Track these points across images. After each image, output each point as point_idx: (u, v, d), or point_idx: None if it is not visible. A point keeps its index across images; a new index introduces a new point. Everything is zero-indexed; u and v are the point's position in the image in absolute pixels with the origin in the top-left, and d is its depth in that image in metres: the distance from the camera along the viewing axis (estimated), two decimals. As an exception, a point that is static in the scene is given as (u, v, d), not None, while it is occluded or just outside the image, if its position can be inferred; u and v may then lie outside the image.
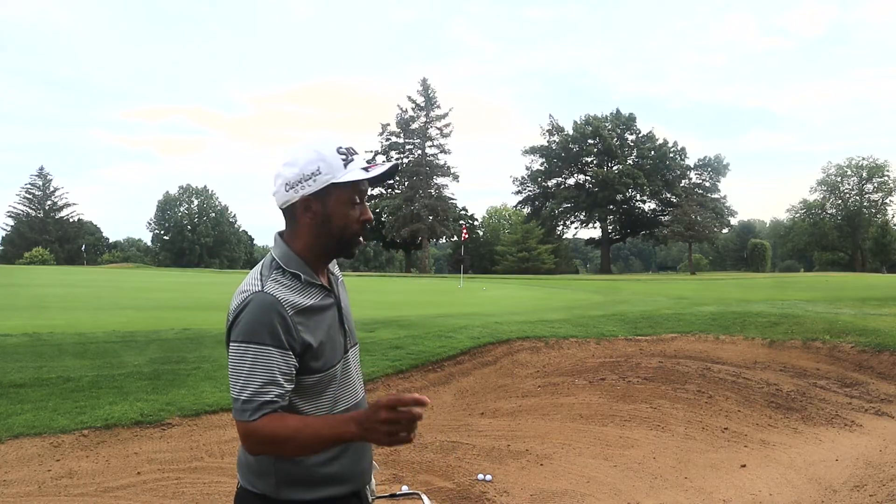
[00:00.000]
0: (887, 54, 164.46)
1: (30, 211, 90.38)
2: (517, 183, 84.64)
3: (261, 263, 1.82)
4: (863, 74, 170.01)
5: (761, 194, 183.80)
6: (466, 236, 65.14)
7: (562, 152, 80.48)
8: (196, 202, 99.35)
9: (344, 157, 1.77)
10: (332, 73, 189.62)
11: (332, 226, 1.78)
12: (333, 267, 1.96)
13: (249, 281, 1.76)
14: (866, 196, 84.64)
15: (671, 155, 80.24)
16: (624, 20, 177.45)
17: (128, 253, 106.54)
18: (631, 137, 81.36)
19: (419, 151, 74.22)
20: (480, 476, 5.49)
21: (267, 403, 1.62)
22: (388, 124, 75.14)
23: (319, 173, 1.74)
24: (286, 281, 1.75)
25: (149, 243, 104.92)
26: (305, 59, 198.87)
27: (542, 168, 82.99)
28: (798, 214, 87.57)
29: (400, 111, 73.98)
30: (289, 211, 1.81)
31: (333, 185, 1.75)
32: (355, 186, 1.78)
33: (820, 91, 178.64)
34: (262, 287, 1.71)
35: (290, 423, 1.63)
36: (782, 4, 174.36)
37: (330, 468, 1.77)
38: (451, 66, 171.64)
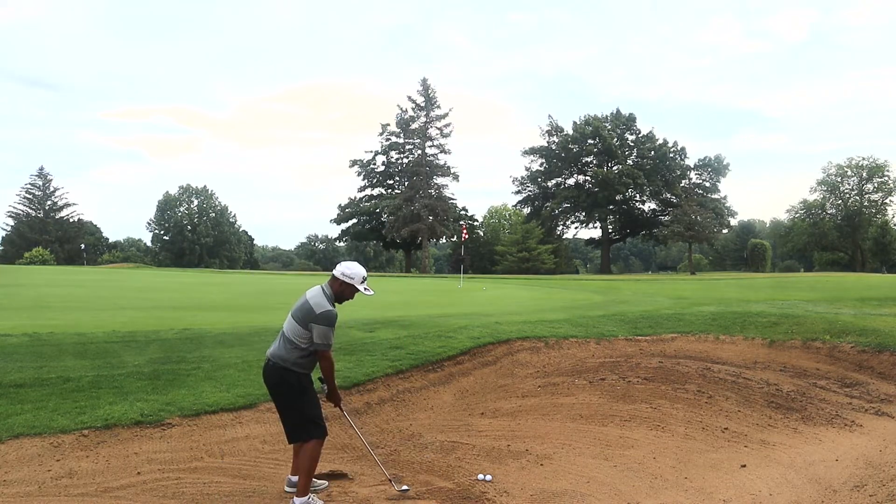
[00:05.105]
0: (872, 57, 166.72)
1: (30, 211, 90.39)
2: (517, 183, 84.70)
3: (322, 293, 4.91)
4: (849, 76, 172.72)
5: (756, 195, 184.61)
6: (466, 236, 65.03)
7: (562, 153, 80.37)
8: (196, 202, 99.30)
9: (362, 279, 4.99)
10: (323, 75, 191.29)
11: (343, 296, 5.00)
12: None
13: (323, 299, 4.88)
14: (866, 196, 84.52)
15: (671, 155, 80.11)
16: (612, 24, 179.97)
17: (128, 253, 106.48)
18: (631, 137, 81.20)
19: (419, 151, 74.13)
20: (480, 476, 5.49)
21: (329, 346, 4.91)
22: (388, 124, 75.09)
23: (352, 279, 4.97)
24: (334, 306, 4.95)
25: (149, 243, 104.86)
26: (297, 62, 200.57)
27: (542, 168, 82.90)
28: (798, 214, 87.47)
29: (400, 111, 73.91)
30: (336, 279, 4.97)
31: (352, 286, 5.00)
32: (355, 289, 5.04)
33: (808, 92, 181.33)
34: (334, 307, 4.91)
35: (330, 357, 5.02)
36: (764, 9, 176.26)
37: (309, 368, 5.01)
38: (441, 69, 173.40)
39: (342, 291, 4.94)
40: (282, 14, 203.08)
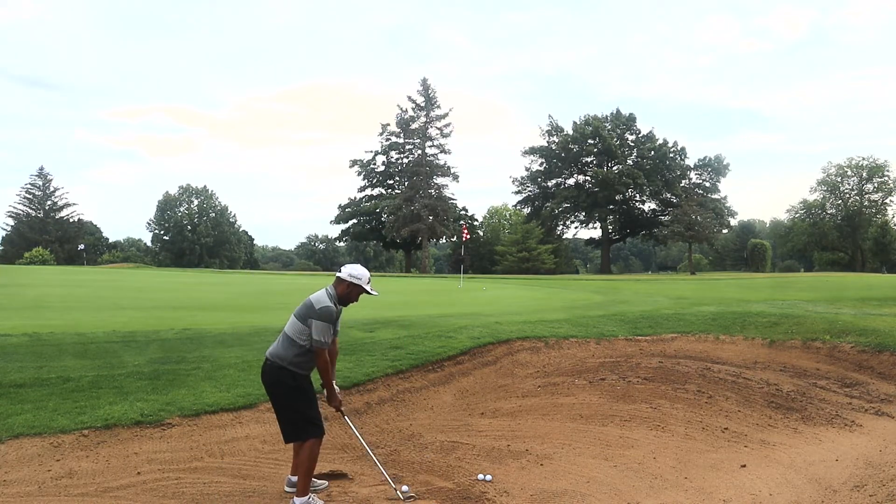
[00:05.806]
0: (872, 56, 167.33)
1: (30, 211, 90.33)
2: (517, 183, 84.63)
3: (327, 293, 4.94)
4: (849, 75, 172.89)
5: (756, 195, 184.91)
6: (468, 236, 64.95)
7: (561, 152, 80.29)
8: (196, 202, 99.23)
9: (367, 280, 5.07)
10: (323, 75, 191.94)
11: (349, 298, 5.06)
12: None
13: (325, 297, 4.92)
14: (866, 196, 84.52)
15: (671, 155, 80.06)
16: (611, 24, 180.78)
17: (128, 253, 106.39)
18: (631, 137, 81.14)
19: (419, 151, 74.09)
20: (480, 476, 5.49)
21: (325, 343, 4.88)
22: (388, 124, 75.02)
23: (360, 280, 5.01)
24: (336, 306, 4.95)
25: (149, 243, 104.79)
26: (296, 61, 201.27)
27: (542, 168, 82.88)
28: (798, 214, 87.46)
29: (400, 111, 73.82)
30: (343, 281, 5.01)
31: (359, 286, 5.04)
32: (362, 290, 5.09)
33: (808, 92, 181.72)
34: (335, 307, 4.94)
35: (324, 356, 4.94)
36: (762, 8, 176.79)
37: (307, 369, 5.02)
38: (441, 69, 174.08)
39: (349, 293, 5.01)
40: (281, 14, 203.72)
